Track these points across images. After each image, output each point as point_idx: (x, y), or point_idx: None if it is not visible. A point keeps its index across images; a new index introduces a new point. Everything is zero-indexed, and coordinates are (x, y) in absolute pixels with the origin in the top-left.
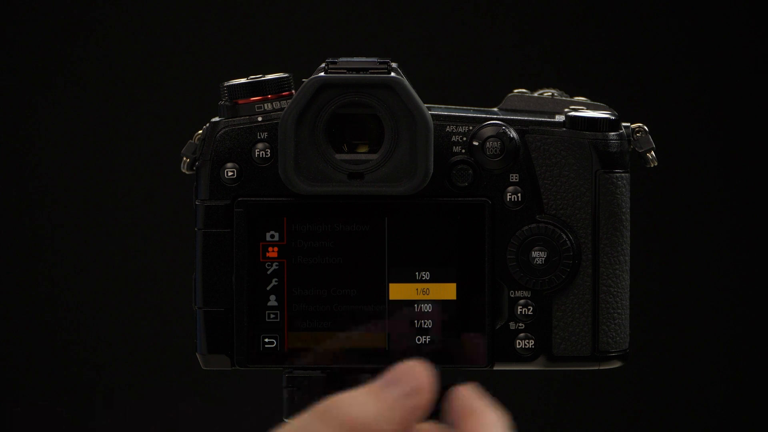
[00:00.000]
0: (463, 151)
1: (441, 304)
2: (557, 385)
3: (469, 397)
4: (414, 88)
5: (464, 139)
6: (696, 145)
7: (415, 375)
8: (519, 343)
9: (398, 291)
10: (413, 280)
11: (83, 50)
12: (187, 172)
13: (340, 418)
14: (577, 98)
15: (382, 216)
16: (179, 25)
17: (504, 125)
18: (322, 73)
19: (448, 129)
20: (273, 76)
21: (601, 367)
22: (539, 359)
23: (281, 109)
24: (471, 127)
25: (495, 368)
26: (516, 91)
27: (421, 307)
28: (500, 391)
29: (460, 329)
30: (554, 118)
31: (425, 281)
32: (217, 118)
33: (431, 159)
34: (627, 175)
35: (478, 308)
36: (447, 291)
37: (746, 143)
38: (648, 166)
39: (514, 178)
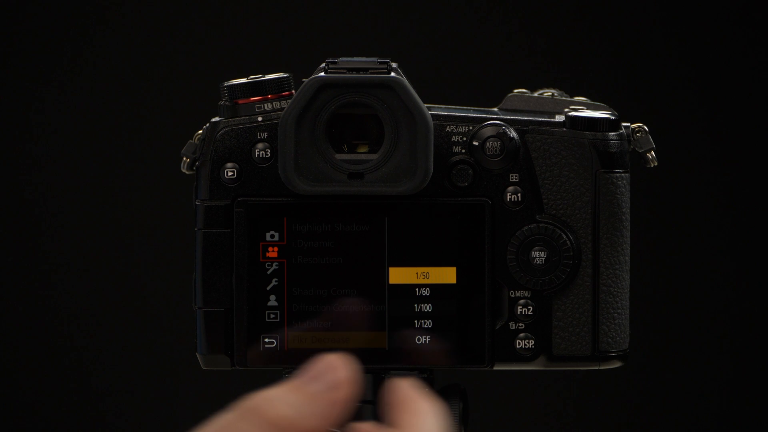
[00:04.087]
0: (463, 151)
1: (441, 304)
2: (557, 385)
3: (404, 388)
4: (414, 88)
5: (464, 139)
6: (696, 145)
7: (335, 369)
8: (519, 343)
9: (398, 291)
10: (413, 279)
11: (83, 50)
12: (187, 172)
13: (262, 415)
14: (577, 98)
15: (382, 216)
16: (179, 25)
17: (504, 125)
18: (322, 73)
19: (448, 129)
20: (273, 76)
21: (601, 367)
22: (539, 359)
23: (281, 109)
24: (471, 127)
25: (495, 368)
26: (516, 91)
27: (421, 306)
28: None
29: (460, 329)
30: (554, 118)
31: (425, 281)
32: (217, 118)
33: (431, 159)
34: (627, 175)
35: (478, 308)
36: (447, 291)
37: (746, 143)
38: (648, 166)
39: (514, 178)
